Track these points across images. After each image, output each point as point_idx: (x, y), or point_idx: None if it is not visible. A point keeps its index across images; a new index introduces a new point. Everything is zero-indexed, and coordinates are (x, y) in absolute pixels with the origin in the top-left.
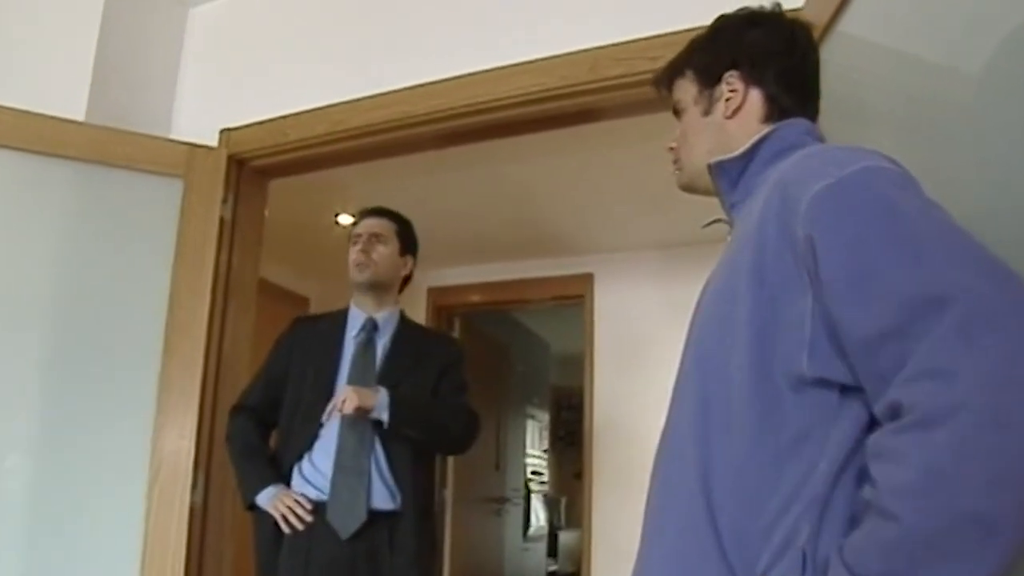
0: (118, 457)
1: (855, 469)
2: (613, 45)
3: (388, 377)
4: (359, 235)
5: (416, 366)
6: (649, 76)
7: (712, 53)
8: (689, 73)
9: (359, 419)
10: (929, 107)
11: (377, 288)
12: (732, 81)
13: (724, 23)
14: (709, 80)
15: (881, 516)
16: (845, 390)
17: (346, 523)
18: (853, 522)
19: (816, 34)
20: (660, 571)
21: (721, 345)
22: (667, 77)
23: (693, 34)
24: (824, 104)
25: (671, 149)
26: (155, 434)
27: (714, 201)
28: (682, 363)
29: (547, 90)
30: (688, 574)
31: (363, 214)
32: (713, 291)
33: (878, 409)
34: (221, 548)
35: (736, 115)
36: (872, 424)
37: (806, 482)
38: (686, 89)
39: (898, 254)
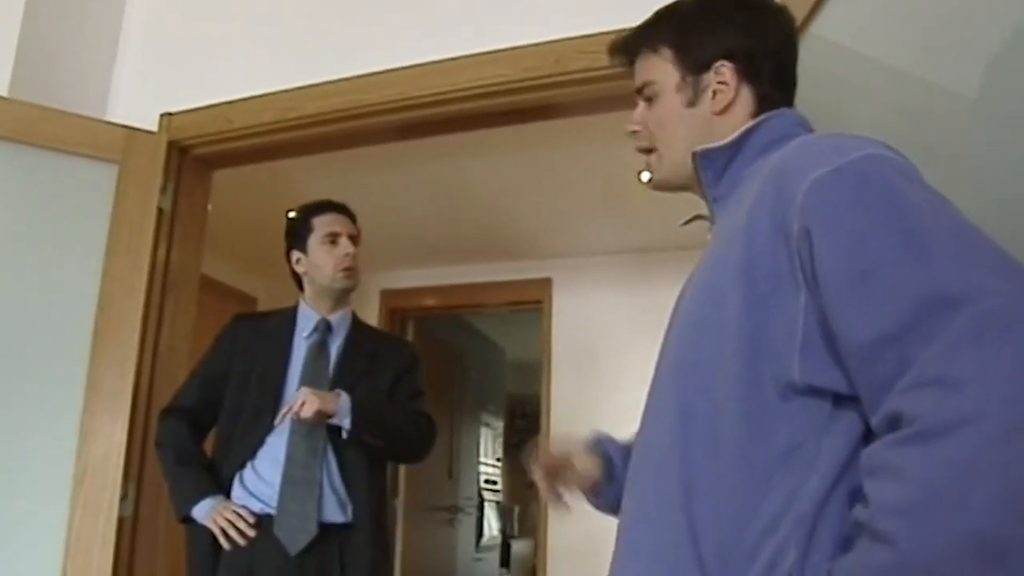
0: (38, 463)
1: (848, 486)
2: (579, 37)
3: (342, 381)
4: (336, 233)
5: (371, 370)
6: (615, 71)
7: (701, 35)
8: (666, 52)
9: (316, 425)
10: (901, 114)
11: (346, 295)
12: (724, 73)
13: (715, 5)
14: (695, 67)
15: (874, 538)
16: (839, 399)
17: (295, 537)
18: (845, 544)
19: None
20: None
21: (705, 350)
22: (633, 46)
23: None
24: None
25: (633, 133)
26: (81, 439)
27: (683, 203)
28: (658, 369)
29: (509, 82)
30: None
31: (329, 208)
32: (695, 292)
33: (875, 420)
34: (153, 565)
35: (726, 111)
36: (868, 436)
37: (794, 500)
38: (662, 70)
39: (904, 250)
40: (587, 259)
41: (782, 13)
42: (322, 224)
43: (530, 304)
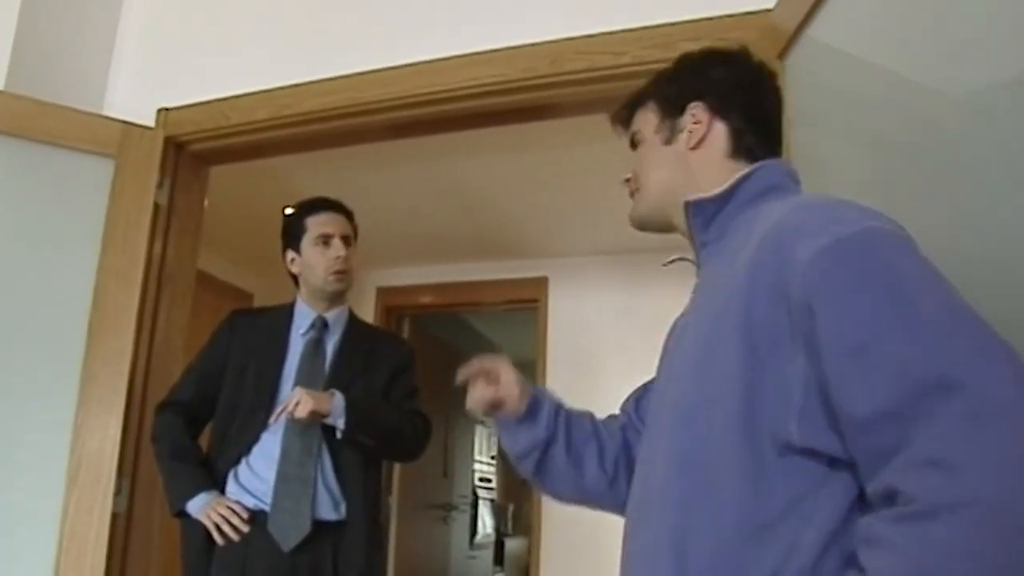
0: (33, 458)
1: (842, 546)
2: (576, 38)
3: (338, 378)
4: (329, 235)
5: (367, 368)
6: (612, 72)
7: (677, 84)
8: (651, 104)
9: (310, 424)
10: (894, 119)
11: (343, 295)
12: (697, 112)
13: (689, 57)
14: (672, 110)
15: None
16: (834, 462)
17: (288, 535)
18: None
19: (785, 39)
20: None
21: (702, 403)
22: (628, 109)
23: (657, 30)
24: (790, 112)
25: (626, 181)
26: (75, 433)
27: None
28: (654, 413)
29: (506, 82)
30: None
31: (323, 207)
32: (692, 342)
33: (871, 488)
34: (147, 560)
35: (700, 146)
36: (862, 497)
37: (793, 552)
38: (646, 120)
39: (904, 330)
40: (584, 259)
41: (750, 59)
42: (315, 224)
43: (526, 303)
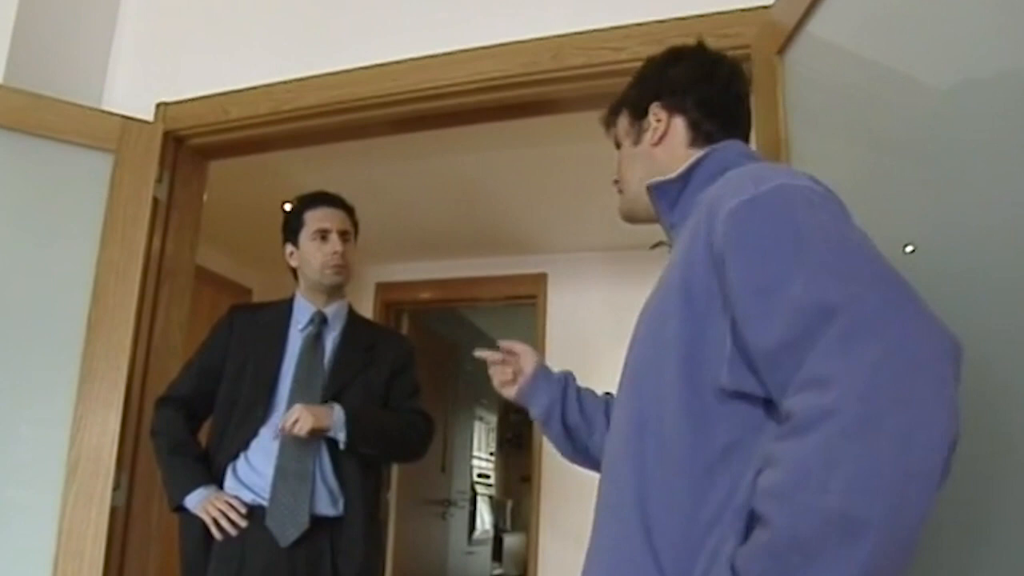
0: (31, 452)
1: None
2: (577, 33)
3: (337, 377)
4: (326, 230)
5: (366, 365)
6: (613, 67)
7: (639, 88)
8: (623, 110)
9: (312, 439)
10: (891, 115)
11: (340, 289)
12: (657, 111)
13: (651, 61)
14: (638, 113)
15: (758, 521)
16: (768, 403)
17: (286, 530)
18: None
19: (784, 35)
20: None
21: (654, 364)
22: (611, 115)
23: (658, 26)
24: (788, 108)
25: (615, 182)
26: (74, 427)
27: None
28: (620, 381)
29: (507, 77)
30: None
31: (322, 201)
32: (648, 312)
33: (779, 419)
34: (145, 554)
35: (662, 141)
36: None
37: (734, 494)
38: (622, 125)
39: (795, 268)
40: (582, 255)
41: (704, 51)
42: (313, 219)
43: (525, 299)
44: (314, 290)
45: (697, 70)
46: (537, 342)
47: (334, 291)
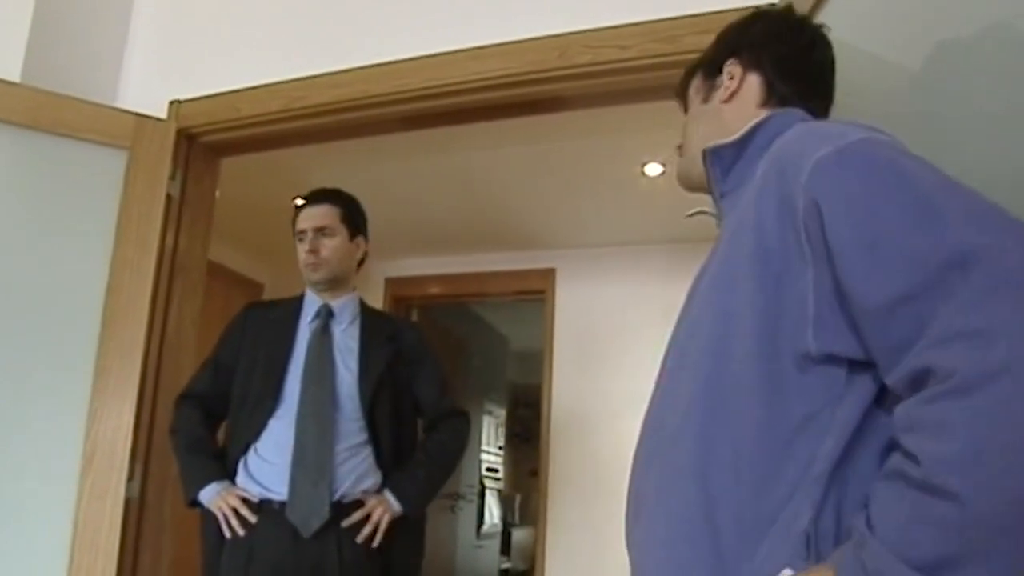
0: (47, 445)
1: (864, 448)
2: (584, 32)
3: (368, 375)
4: (303, 231)
5: (392, 363)
6: (619, 65)
7: (717, 47)
8: (699, 72)
9: (325, 407)
10: (899, 111)
11: (334, 282)
12: (731, 68)
13: (733, 22)
14: (712, 71)
15: (930, 492)
16: (853, 366)
17: (309, 521)
18: (860, 505)
19: None
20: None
21: (721, 334)
22: (684, 81)
23: (665, 24)
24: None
25: (678, 148)
26: (89, 420)
27: (687, 199)
28: (669, 357)
29: (515, 75)
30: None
31: (305, 203)
32: (710, 280)
33: (895, 379)
34: (159, 545)
35: (732, 99)
36: (880, 400)
37: (811, 465)
38: (695, 87)
39: (911, 215)
40: (591, 250)
41: (790, 13)
42: (296, 222)
43: (534, 294)
44: (312, 286)
45: (779, 28)
46: (545, 337)
47: (334, 286)
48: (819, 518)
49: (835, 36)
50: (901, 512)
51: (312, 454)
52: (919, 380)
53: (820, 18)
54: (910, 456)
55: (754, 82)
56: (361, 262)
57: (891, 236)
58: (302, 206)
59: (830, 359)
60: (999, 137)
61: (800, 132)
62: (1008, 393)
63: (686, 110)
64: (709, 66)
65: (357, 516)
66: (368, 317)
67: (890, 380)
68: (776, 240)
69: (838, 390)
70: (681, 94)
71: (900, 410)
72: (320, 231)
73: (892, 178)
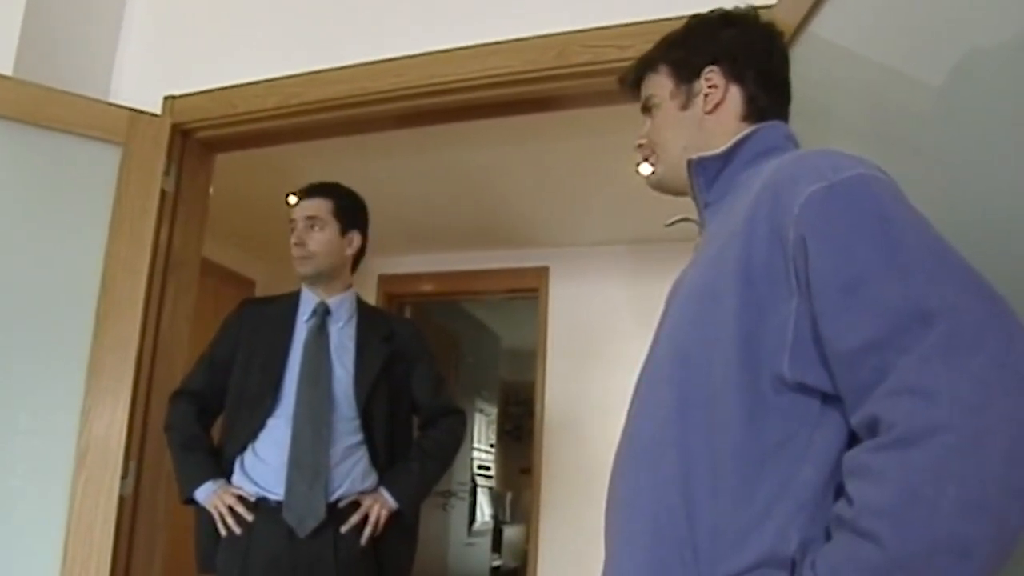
0: (41, 442)
1: (838, 481)
2: (582, 31)
3: (364, 375)
4: (294, 221)
5: (390, 362)
6: (617, 65)
7: (690, 48)
8: (663, 68)
9: (321, 407)
10: (895, 115)
11: (323, 276)
12: (712, 76)
13: (699, 21)
14: (687, 75)
15: (860, 536)
16: (826, 398)
17: (304, 521)
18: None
19: (787, 34)
20: None
21: (702, 345)
22: (637, 73)
23: (663, 24)
24: (791, 106)
25: (639, 147)
26: (83, 417)
27: (679, 201)
28: (648, 365)
29: (512, 73)
30: None
31: (299, 195)
32: (691, 289)
33: (855, 421)
34: (153, 542)
35: (716, 110)
36: (853, 436)
37: (789, 486)
38: (660, 84)
39: (888, 265)
40: (585, 249)
41: (765, 26)
42: (291, 213)
43: (527, 292)
44: (302, 281)
45: (757, 40)
46: (539, 335)
47: (325, 281)
48: (808, 547)
49: (831, 40)
50: (838, 553)
51: (308, 455)
52: (872, 427)
53: (816, 23)
54: (848, 499)
55: (736, 94)
56: (358, 258)
57: (866, 282)
58: (297, 200)
59: (803, 388)
60: (999, 141)
61: (799, 160)
62: (942, 452)
63: (645, 108)
64: (682, 68)
65: (355, 519)
66: (365, 315)
67: (852, 422)
68: (764, 262)
69: (813, 417)
70: (635, 84)
71: (848, 454)
72: (310, 222)
73: (874, 223)
